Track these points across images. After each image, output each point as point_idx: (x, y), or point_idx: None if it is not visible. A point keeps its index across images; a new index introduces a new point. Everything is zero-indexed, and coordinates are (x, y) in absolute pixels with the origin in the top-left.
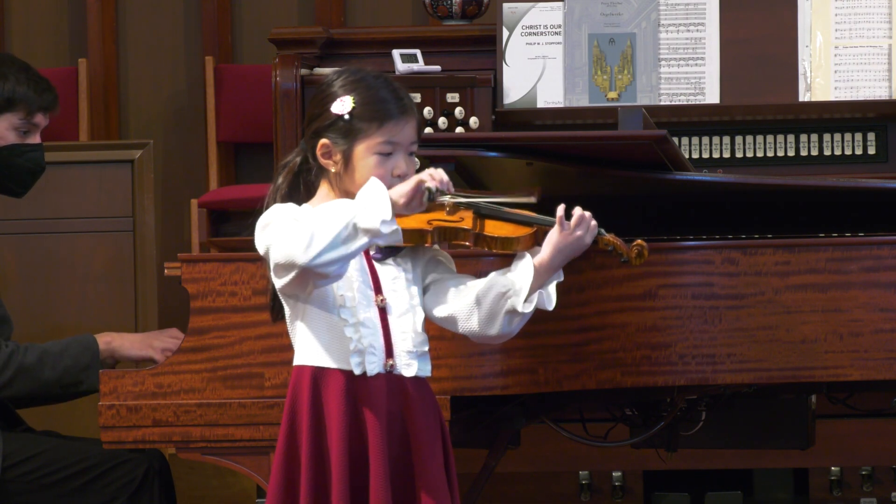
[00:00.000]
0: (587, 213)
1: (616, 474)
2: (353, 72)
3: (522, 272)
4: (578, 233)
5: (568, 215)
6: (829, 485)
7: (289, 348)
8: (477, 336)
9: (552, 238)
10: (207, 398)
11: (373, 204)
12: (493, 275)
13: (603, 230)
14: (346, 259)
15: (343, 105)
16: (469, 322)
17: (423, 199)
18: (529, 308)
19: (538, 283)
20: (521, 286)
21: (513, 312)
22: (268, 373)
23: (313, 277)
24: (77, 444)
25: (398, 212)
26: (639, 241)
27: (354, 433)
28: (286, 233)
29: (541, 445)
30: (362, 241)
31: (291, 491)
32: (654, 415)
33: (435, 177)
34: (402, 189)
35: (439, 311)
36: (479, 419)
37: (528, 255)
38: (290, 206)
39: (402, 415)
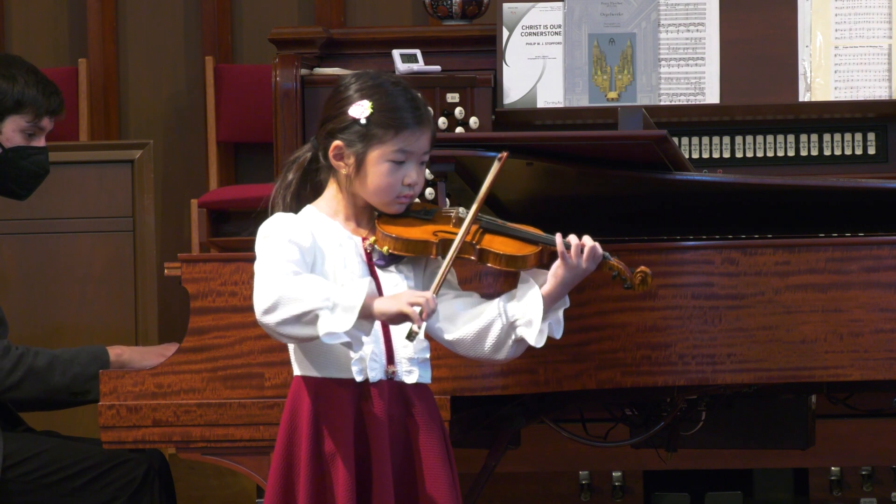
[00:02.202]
0: (589, 242)
1: (616, 474)
2: (372, 76)
3: (532, 304)
4: (583, 265)
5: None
6: (829, 485)
7: (289, 348)
8: (482, 359)
9: (557, 272)
10: (207, 398)
11: (340, 312)
12: (501, 301)
13: (608, 254)
14: (300, 339)
15: (361, 109)
16: (476, 348)
17: (406, 330)
18: (542, 341)
19: (545, 312)
20: (531, 318)
21: (521, 342)
22: (268, 373)
23: (278, 336)
24: (77, 444)
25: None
26: (642, 267)
27: (358, 439)
28: (262, 282)
29: (541, 445)
30: (316, 333)
31: (289, 497)
32: (654, 415)
33: (425, 311)
34: (388, 309)
35: (447, 335)
36: (479, 419)
37: (536, 286)
38: (290, 223)
39: (403, 420)
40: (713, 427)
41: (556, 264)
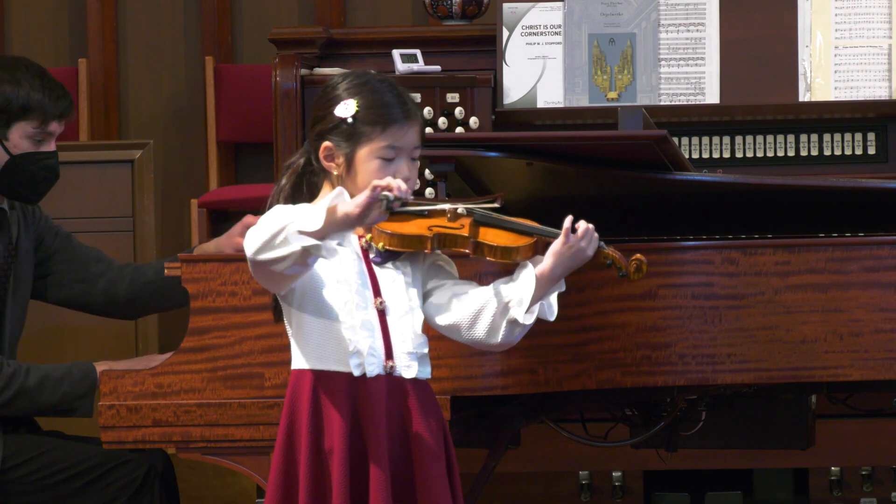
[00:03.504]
0: (591, 226)
1: (616, 474)
2: (358, 75)
3: (524, 283)
4: (582, 244)
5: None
6: (829, 485)
7: (289, 348)
8: (479, 344)
9: (555, 248)
10: (207, 398)
11: (310, 213)
12: (495, 283)
13: (603, 243)
14: (284, 260)
15: (347, 108)
16: (472, 331)
17: (382, 209)
18: (531, 319)
19: (539, 293)
20: (522, 296)
21: (514, 322)
22: (268, 373)
23: (265, 273)
24: (78, 444)
25: (356, 224)
26: (638, 255)
27: (355, 434)
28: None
29: (541, 445)
30: (295, 246)
31: (290, 493)
32: (654, 415)
33: (392, 185)
34: (357, 199)
35: (442, 320)
36: (479, 419)
37: (530, 265)
38: (287, 207)
39: (402, 416)
40: (713, 427)
41: (556, 242)
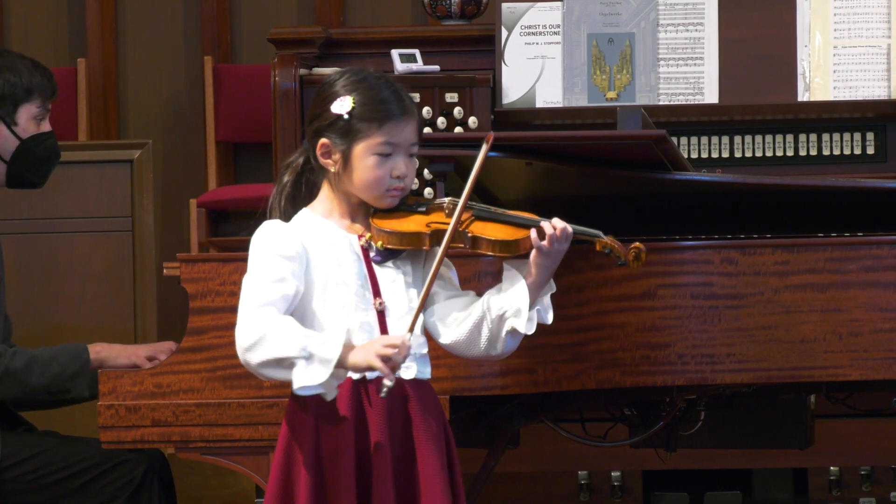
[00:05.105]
0: (559, 225)
1: (615, 474)
2: (355, 72)
3: (518, 293)
4: (563, 247)
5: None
6: (829, 485)
7: None
8: (481, 358)
9: (535, 259)
10: (206, 398)
11: (317, 365)
12: (487, 296)
13: (601, 233)
14: (278, 381)
15: (343, 105)
16: (472, 348)
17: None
18: (532, 328)
19: (533, 300)
20: (520, 307)
21: (514, 332)
22: None
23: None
24: (76, 444)
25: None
26: (636, 243)
27: (358, 438)
28: (245, 315)
29: (540, 445)
30: (289, 378)
31: (288, 499)
32: (653, 415)
33: (395, 364)
34: (359, 363)
35: (442, 339)
36: (478, 419)
37: (520, 276)
38: (277, 234)
39: (403, 416)
40: (712, 427)
41: (534, 254)
